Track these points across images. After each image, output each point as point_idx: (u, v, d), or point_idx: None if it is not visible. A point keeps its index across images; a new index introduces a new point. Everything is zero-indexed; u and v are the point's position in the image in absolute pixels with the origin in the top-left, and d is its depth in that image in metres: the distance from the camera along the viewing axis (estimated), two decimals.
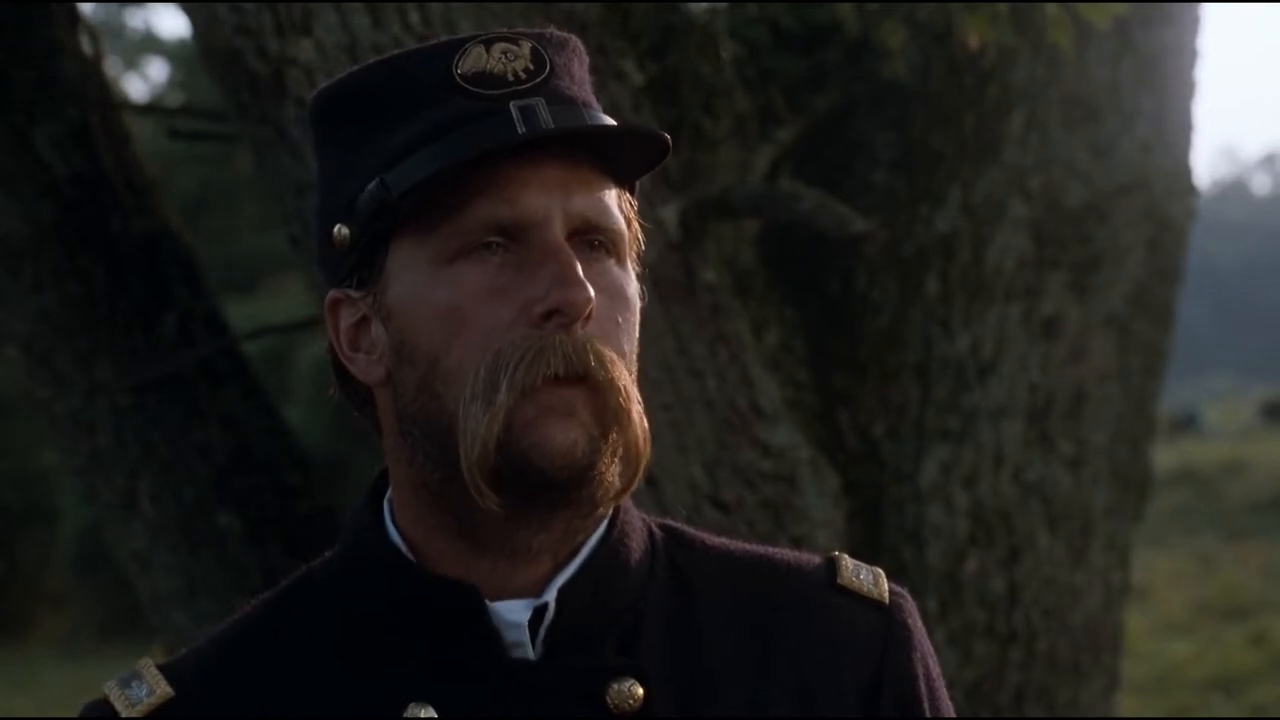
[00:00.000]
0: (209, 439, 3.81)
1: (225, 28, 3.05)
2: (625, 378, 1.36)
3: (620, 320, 1.38)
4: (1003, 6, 3.47)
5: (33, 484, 16.70)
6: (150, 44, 24.57)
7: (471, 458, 1.33)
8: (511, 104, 1.36)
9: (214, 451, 3.81)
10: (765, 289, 3.71)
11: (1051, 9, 3.45)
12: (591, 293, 1.33)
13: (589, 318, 1.34)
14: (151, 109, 7.36)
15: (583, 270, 1.34)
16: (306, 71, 3.01)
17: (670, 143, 1.39)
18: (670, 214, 3.21)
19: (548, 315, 1.33)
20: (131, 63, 24.15)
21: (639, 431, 1.36)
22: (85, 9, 3.99)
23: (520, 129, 1.34)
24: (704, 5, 3.77)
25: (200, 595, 3.81)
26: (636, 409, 1.36)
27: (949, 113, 3.83)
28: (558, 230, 1.35)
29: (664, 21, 3.53)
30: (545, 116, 1.35)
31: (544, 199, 1.35)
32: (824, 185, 3.58)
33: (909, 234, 3.82)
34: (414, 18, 3.00)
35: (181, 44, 21.02)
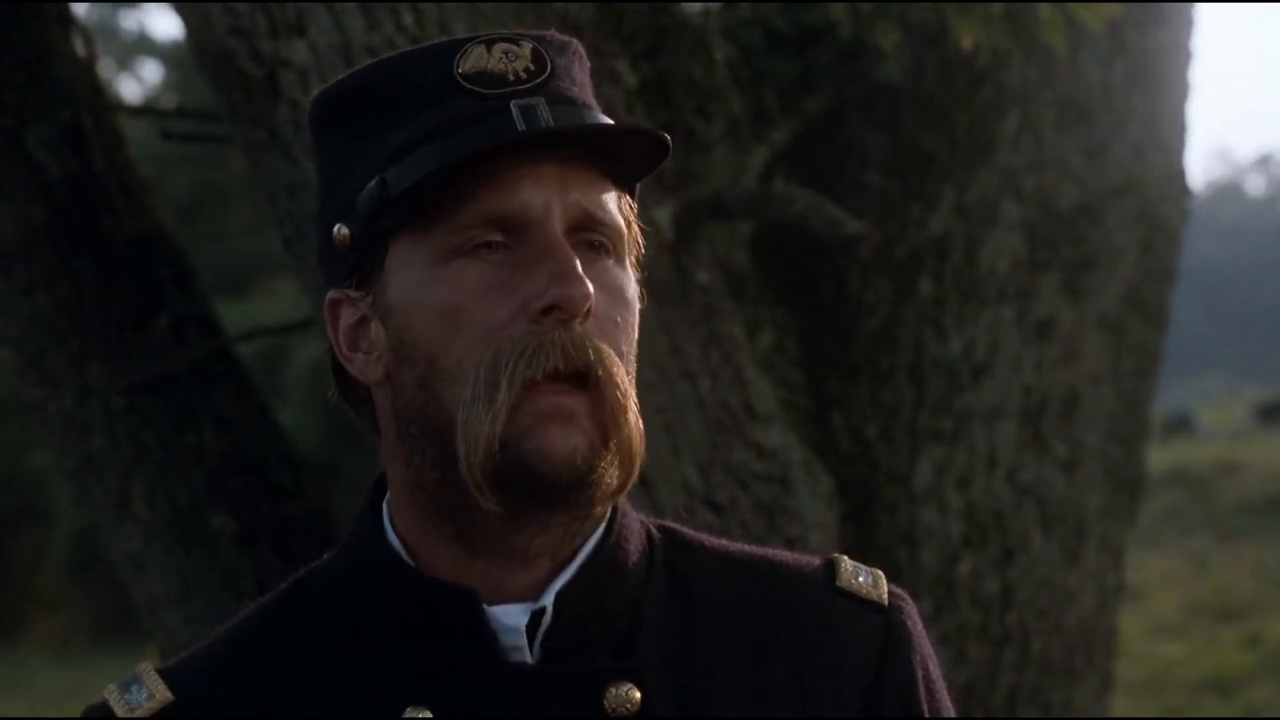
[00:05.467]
0: (202, 441, 3.80)
1: (218, 29, 3.05)
2: (623, 375, 1.36)
3: (619, 320, 1.38)
4: (996, 8, 3.46)
5: (26, 485, 16.68)
6: (143, 45, 24.54)
7: (474, 458, 1.33)
8: (512, 103, 1.36)
9: (207, 453, 3.80)
10: (758, 290, 3.71)
11: (1045, 10, 3.45)
12: (591, 288, 1.33)
13: (588, 314, 1.34)
14: (145, 111, 7.34)
15: (582, 269, 1.34)
16: (300, 73, 3.00)
17: (669, 143, 1.39)
18: (664, 215, 3.21)
19: (546, 311, 1.33)
20: (125, 64, 24.12)
21: (634, 431, 1.36)
22: (78, 10, 3.99)
23: (520, 127, 1.34)
24: (697, 7, 3.77)
25: (193, 597, 3.80)
26: (633, 407, 1.36)
27: (942, 114, 3.83)
28: (556, 227, 1.35)
29: (657, 23, 3.53)
30: (545, 115, 1.35)
31: (542, 195, 1.35)
32: (817, 187, 3.58)
33: (902, 235, 3.82)
34: (408, 19, 3.00)
35: (175, 45, 20.99)
